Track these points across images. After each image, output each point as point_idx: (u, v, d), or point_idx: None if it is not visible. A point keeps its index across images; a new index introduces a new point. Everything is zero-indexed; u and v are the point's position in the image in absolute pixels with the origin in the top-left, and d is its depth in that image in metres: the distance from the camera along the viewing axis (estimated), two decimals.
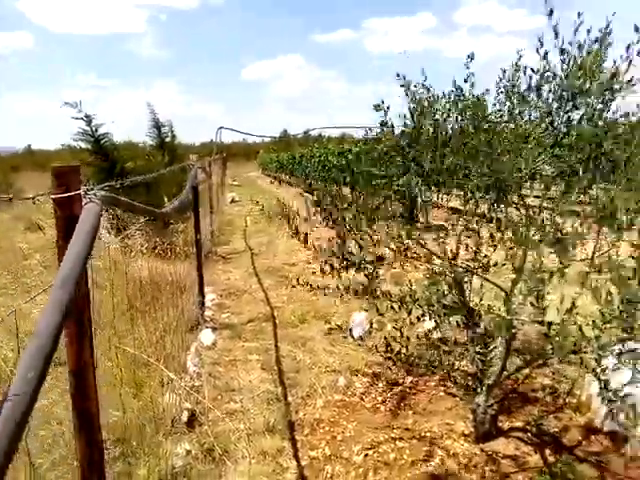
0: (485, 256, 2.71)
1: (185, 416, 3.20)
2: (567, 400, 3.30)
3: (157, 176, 5.52)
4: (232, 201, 17.83)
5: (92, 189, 1.56)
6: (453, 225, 2.80)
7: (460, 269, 2.30)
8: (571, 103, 1.95)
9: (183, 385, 3.48)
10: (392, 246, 2.62)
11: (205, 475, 2.74)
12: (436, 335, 3.13)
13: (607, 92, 1.92)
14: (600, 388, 2.03)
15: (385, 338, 3.18)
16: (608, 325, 1.81)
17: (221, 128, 6.93)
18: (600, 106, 1.96)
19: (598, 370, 2.01)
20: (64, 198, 1.49)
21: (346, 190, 7.79)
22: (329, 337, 4.70)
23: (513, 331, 2.45)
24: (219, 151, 13.85)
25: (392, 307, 2.39)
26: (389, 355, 3.13)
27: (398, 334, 3.05)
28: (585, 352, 2.01)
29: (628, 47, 1.96)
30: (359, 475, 2.72)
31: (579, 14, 1.96)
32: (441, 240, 2.69)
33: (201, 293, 5.17)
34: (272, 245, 8.87)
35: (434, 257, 2.44)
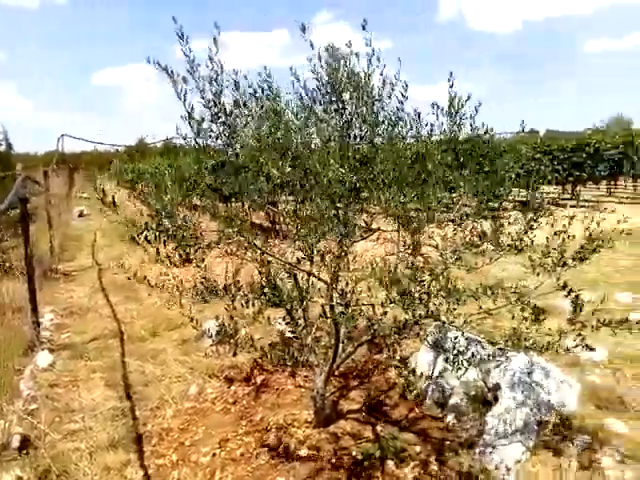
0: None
1: (17, 441, 2.96)
2: (398, 380, 3.70)
3: None
4: (80, 215, 16.44)
5: None
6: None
7: (288, 265, 2.49)
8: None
9: (14, 410, 3.20)
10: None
11: None
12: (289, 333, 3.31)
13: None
14: (397, 367, 2.36)
15: (237, 341, 3.27)
16: (392, 305, 2.15)
17: (63, 135, 6.46)
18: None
19: (397, 351, 2.34)
20: None
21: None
22: (182, 347, 4.64)
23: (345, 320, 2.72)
24: (62, 160, 12.71)
25: (230, 304, 2.48)
26: (241, 357, 3.24)
27: (255, 336, 3.16)
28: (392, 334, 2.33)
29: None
30: (206, 475, 2.77)
31: None
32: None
33: (35, 313, 4.74)
34: (122, 259, 8.42)
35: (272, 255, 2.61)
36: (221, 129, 2.37)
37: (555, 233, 2.22)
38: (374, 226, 2.41)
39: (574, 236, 2.21)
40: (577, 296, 2.10)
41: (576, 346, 2.08)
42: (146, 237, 2.23)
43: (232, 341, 2.44)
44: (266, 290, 2.30)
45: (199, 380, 3.94)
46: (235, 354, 2.41)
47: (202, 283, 2.39)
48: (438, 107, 2.21)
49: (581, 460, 2.64)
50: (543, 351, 2.29)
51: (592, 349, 2.05)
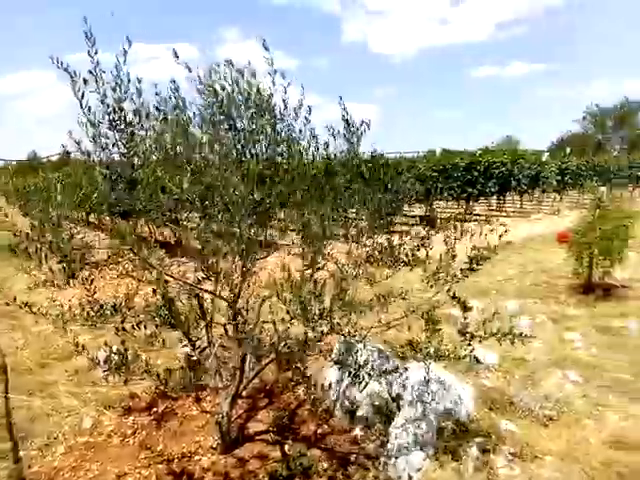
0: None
1: None
2: (308, 395, 3.69)
3: None
4: None
5: None
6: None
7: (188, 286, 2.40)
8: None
9: None
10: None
11: None
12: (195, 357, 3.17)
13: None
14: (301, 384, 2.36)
15: (129, 368, 3.07)
16: (295, 321, 2.15)
17: None
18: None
19: (304, 367, 2.34)
20: None
21: None
22: (74, 378, 4.28)
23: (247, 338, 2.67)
24: None
25: (123, 328, 2.32)
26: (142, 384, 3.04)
27: (157, 361, 2.99)
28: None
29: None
30: None
31: None
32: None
33: None
34: (7, 283, 7.66)
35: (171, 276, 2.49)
36: (118, 136, 2.24)
37: (447, 247, 2.36)
38: (287, 242, 2.40)
39: (468, 246, 2.36)
40: (465, 307, 2.23)
41: (464, 357, 2.20)
42: (26, 249, 2.01)
43: (123, 369, 2.28)
44: (161, 312, 2.18)
45: (94, 412, 3.65)
46: (126, 382, 2.24)
47: (89, 305, 2.21)
48: (332, 129, 2.27)
49: (477, 462, 2.79)
50: (439, 359, 2.40)
51: (479, 361, 2.19)
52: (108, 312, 2.17)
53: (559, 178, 16.51)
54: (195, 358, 3.11)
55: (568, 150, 18.60)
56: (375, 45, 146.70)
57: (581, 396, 3.61)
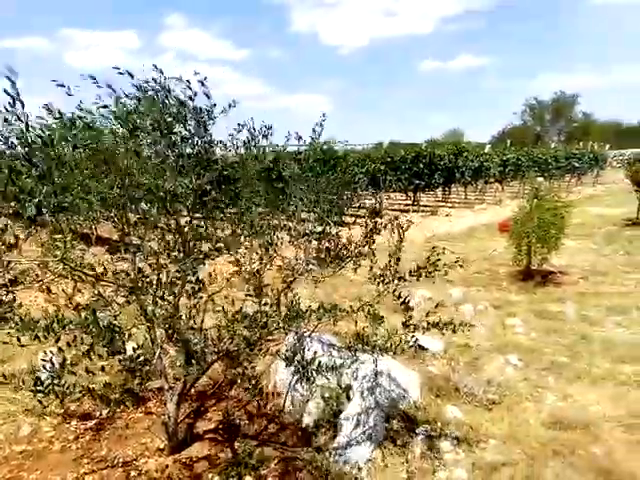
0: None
1: None
2: (257, 391, 3.66)
3: None
4: None
5: None
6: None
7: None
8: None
9: None
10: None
11: None
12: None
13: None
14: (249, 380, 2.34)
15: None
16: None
17: None
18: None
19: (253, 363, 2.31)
20: None
21: None
22: (12, 383, 4.05)
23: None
24: None
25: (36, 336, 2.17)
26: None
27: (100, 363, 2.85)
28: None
29: None
30: None
31: None
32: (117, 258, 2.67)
33: None
34: None
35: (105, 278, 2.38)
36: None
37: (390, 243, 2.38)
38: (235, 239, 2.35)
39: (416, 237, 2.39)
40: (405, 301, 2.27)
41: (410, 347, 2.25)
42: None
43: (59, 385, 2.16)
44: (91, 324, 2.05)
45: (32, 418, 3.47)
46: (62, 401, 2.13)
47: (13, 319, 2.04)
48: (271, 128, 2.25)
49: (424, 448, 2.87)
50: (385, 352, 2.43)
51: (424, 349, 2.24)
52: (40, 334, 2.03)
53: (501, 169, 17.16)
54: (140, 360, 3.02)
55: (508, 142, 19.33)
56: (324, 36, 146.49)
57: (522, 379, 3.78)
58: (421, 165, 14.10)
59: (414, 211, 14.62)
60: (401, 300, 2.30)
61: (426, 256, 2.45)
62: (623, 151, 37.29)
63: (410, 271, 2.40)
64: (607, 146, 27.89)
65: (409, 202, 16.21)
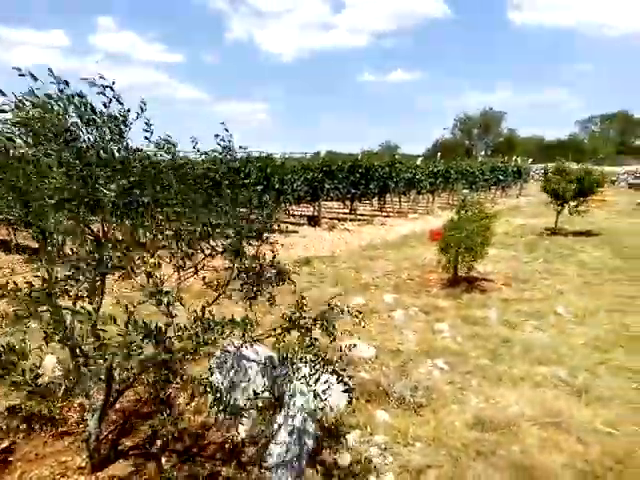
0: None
1: None
2: (190, 404, 3.57)
3: None
4: None
5: None
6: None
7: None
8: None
9: None
10: None
11: None
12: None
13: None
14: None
15: None
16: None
17: None
18: None
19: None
20: None
21: None
22: None
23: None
24: None
25: None
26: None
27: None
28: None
29: None
30: None
31: None
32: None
33: None
34: None
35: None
36: None
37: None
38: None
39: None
40: (332, 309, 2.31)
41: (338, 358, 2.28)
42: None
43: None
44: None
45: None
46: None
47: None
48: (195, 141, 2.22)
49: (353, 454, 2.91)
50: (312, 364, 2.47)
51: (354, 345, 2.30)
52: None
53: (432, 180, 17.86)
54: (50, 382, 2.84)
55: (438, 155, 20.15)
56: (263, 44, 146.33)
57: (448, 382, 3.93)
58: (358, 175, 14.40)
59: (351, 220, 14.87)
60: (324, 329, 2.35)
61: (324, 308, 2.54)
62: (545, 165, 39.96)
63: (314, 319, 2.51)
64: (529, 160, 29.79)
65: (346, 211, 16.49)
